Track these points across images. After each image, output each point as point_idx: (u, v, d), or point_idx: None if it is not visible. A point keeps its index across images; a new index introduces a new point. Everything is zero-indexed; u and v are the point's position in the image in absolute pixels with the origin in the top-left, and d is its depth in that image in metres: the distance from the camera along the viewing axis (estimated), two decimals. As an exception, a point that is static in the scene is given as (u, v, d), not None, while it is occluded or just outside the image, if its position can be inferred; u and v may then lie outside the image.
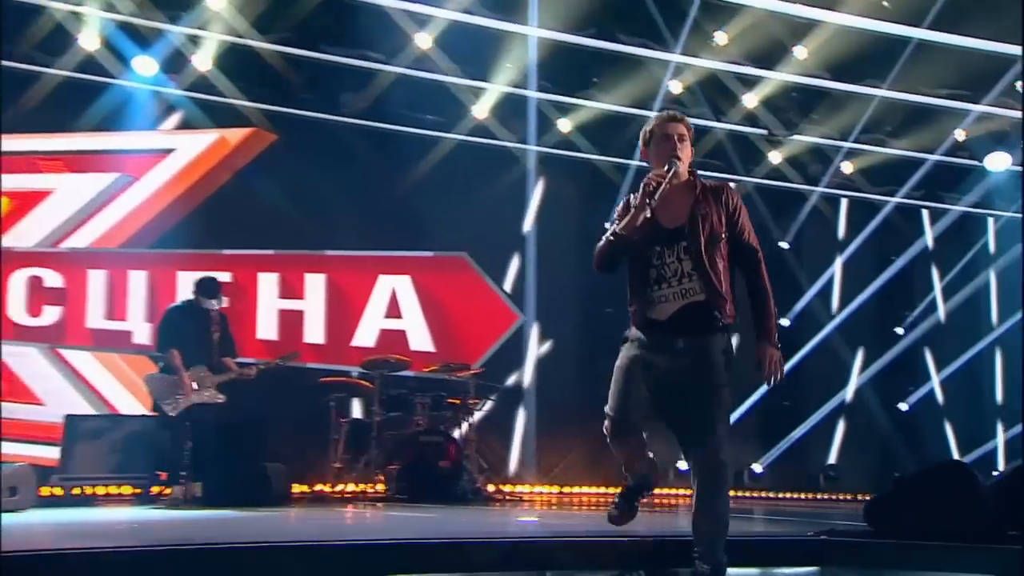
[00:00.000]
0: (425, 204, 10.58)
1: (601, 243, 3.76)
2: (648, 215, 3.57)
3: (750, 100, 10.68)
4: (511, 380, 10.98)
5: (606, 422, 3.83)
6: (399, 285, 10.86)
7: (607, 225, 3.84)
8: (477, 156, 10.87)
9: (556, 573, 4.75)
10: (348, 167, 10.43)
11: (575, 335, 11.40)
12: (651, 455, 4.01)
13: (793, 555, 5.21)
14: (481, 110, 10.70)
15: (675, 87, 10.66)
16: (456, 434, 9.19)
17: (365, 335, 10.69)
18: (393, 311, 10.78)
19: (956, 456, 12.47)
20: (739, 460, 11.90)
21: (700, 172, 3.88)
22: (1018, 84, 10.54)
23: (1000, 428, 12.69)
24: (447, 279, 11.12)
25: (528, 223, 11.46)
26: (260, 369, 7.90)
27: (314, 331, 10.56)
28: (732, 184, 4.05)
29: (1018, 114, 10.88)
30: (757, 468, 11.93)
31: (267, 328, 10.41)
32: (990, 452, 12.47)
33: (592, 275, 11.74)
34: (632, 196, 3.81)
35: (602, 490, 10.85)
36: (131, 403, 9.50)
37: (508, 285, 11.27)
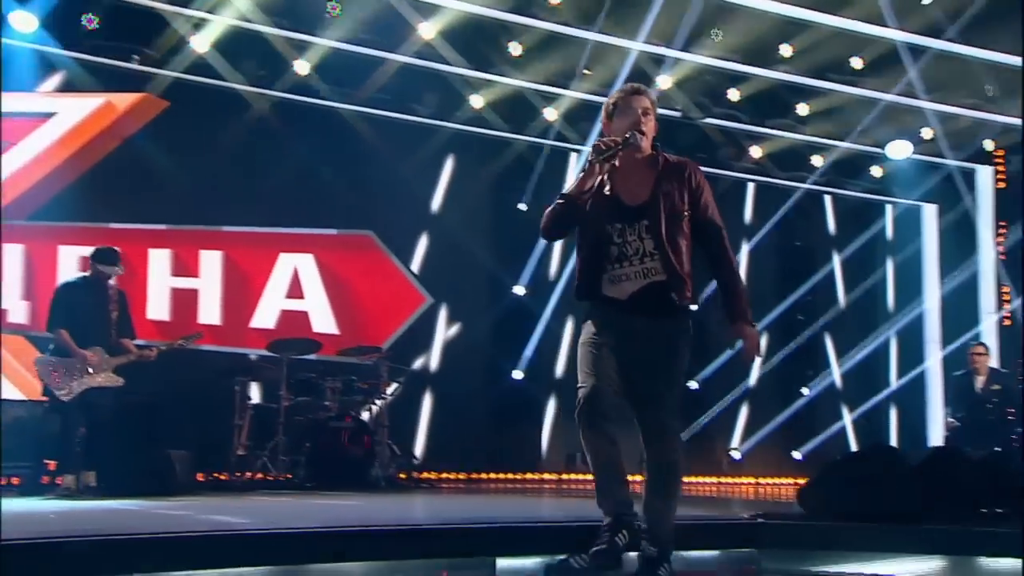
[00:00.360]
0: (330, 180, 10.20)
1: (551, 206, 3.67)
2: (593, 178, 3.53)
3: (664, 82, 10.66)
4: (418, 363, 10.73)
5: (579, 402, 3.61)
6: (301, 264, 10.48)
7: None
8: (386, 132, 10.52)
9: (483, 559, 4.65)
10: (248, 139, 9.97)
11: (483, 318, 11.24)
12: (625, 477, 3.69)
13: (730, 537, 5.25)
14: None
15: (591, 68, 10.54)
16: (367, 419, 8.90)
17: (265, 316, 10.28)
18: (295, 291, 10.42)
19: (852, 441, 12.94)
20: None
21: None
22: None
23: (894, 412, 13.16)
24: (352, 258, 10.79)
25: (437, 202, 11.20)
26: (161, 351, 7.40)
27: (210, 311, 10.08)
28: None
29: (917, 103, 11.26)
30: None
31: (158, 308, 9.89)
32: (882, 435, 12.95)
33: (502, 257, 11.64)
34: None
35: (507, 476, 10.75)
36: (8, 388, 8.82)
37: (416, 266, 11.00)
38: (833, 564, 4.92)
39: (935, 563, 5.02)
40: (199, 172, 9.73)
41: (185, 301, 9.98)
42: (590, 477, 10.89)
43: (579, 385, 3.64)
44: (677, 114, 11.00)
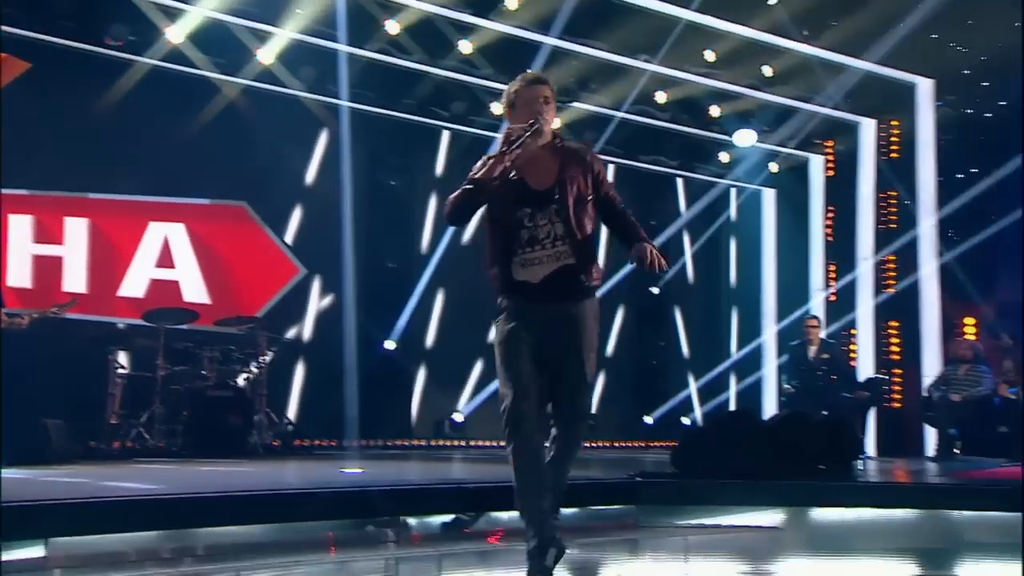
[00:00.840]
0: (203, 150, 10.02)
1: (457, 192, 3.68)
2: (503, 164, 3.56)
3: (537, 65, 10.95)
4: (291, 333, 10.75)
5: (504, 415, 3.57)
6: (172, 233, 10.30)
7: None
8: (261, 103, 10.41)
9: (385, 520, 4.90)
10: (118, 106, 9.63)
11: (356, 289, 11.31)
12: (547, 487, 3.61)
13: (612, 495, 5.66)
14: (266, 55, 10.21)
15: (465, 48, 10.70)
16: (245, 388, 8.92)
17: (134, 285, 10.07)
18: (165, 260, 10.22)
19: (696, 405, 13.71)
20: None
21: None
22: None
23: (733, 379, 13.96)
24: (225, 229, 10.68)
25: (311, 175, 11.20)
26: (33, 318, 7.21)
27: (75, 279, 9.77)
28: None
29: (761, 95, 12.04)
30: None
31: (19, 275, 9.48)
32: (724, 401, 13.70)
33: (375, 230, 11.74)
34: (490, 157, 3.73)
35: (379, 442, 10.94)
36: None
37: (289, 237, 10.97)
38: (702, 517, 5.41)
39: (783, 515, 5.59)
40: (65, 137, 9.38)
41: (48, 269, 9.63)
42: (460, 443, 11.26)
43: (502, 395, 3.61)
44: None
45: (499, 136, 3.75)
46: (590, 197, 3.69)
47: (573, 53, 11.01)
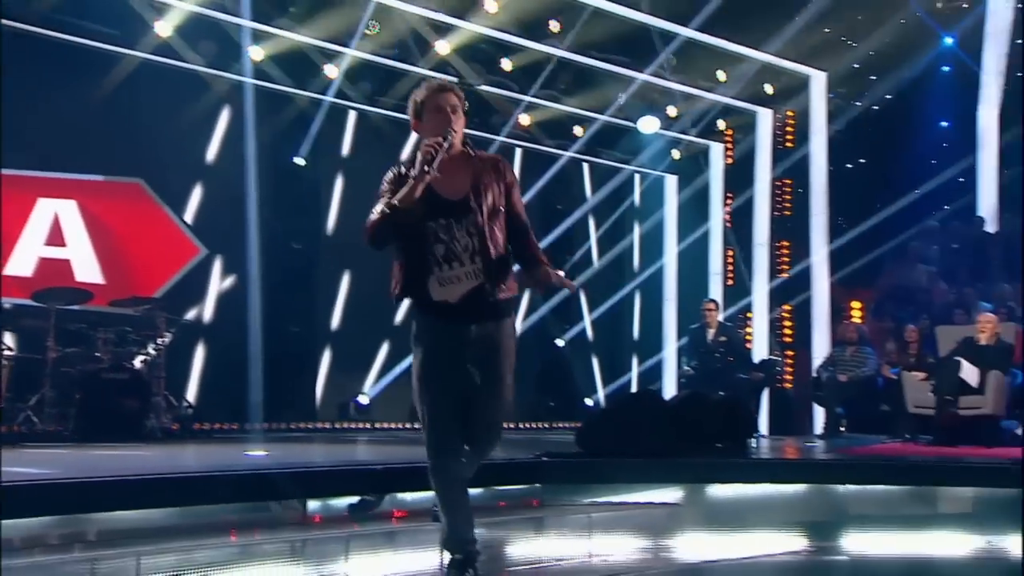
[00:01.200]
0: (97, 124, 9.67)
1: (374, 217, 3.41)
2: (423, 184, 3.30)
3: (443, 48, 10.92)
4: (191, 314, 10.46)
5: (429, 451, 3.46)
6: (63, 210, 9.85)
7: (380, 202, 3.44)
8: (159, 77, 10.05)
9: (289, 503, 4.84)
10: (4, 76, 9.17)
11: (258, 270, 11.07)
12: (471, 514, 3.57)
13: (517, 475, 5.69)
14: (164, 27, 9.87)
15: (372, 28, 10.57)
16: (142, 370, 8.65)
17: (21, 263, 9.58)
18: (55, 238, 9.79)
19: (599, 387, 13.91)
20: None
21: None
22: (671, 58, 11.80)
23: (635, 361, 14.23)
24: (120, 206, 10.28)
25: (212, 153, 10.91)
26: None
27: (-44, 257, 9.31)
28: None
29: (665, 83, 12.24)
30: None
31: None
32: (627, 382, 13.93)
33: (279, 210, 11.45)
34: (402, 167, 3.52)
35: (282, 425, 10.77)
36: None
37: (189, 216, 10.67)
38: (605, 495, 5.50)
39: (682, 491, 5.72)
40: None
41: (-75, 245, 9.18)
42: (365, 425, 11.09)
43: (421, 419, 3.49)
44: (454, 79, 11.29)
45: (417, 151, 3.43)
46: (502, 209, 3.48)
47: (478, 33, 10.98)
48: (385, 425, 11.63)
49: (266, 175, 10.96)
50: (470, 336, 3.42)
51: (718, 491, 5.91)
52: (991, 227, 11.99)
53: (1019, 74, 12.17)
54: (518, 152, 13.08)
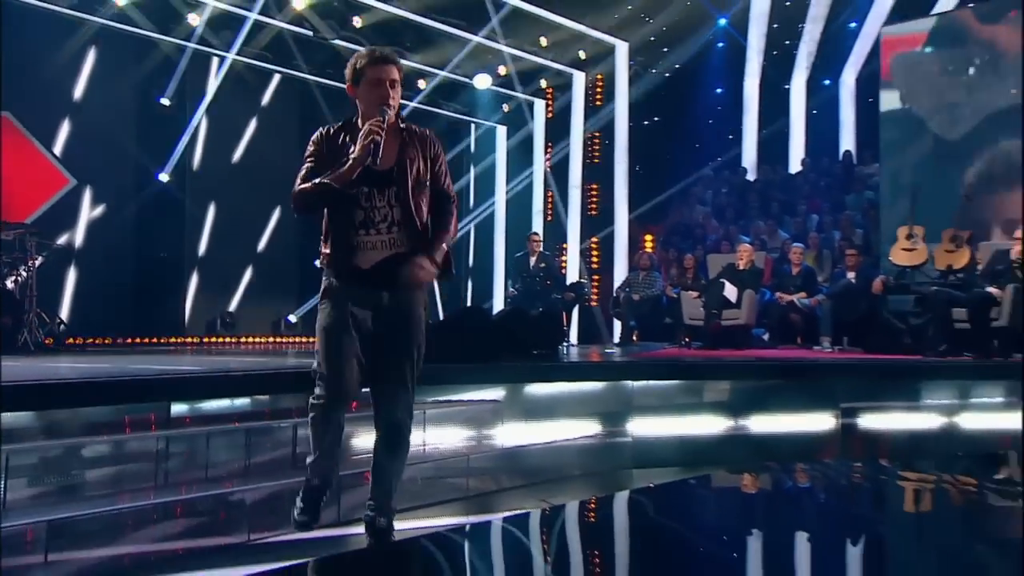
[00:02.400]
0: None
1: (306, 187, 3.01)
2: (361, 167, 2.93)
3: (299, 3, 10.41)
4: (63, 240, 9.73)
5: (317, 399, 3.04)
6: (-69, 140, 8.91)
7: (306, 165, 3.04)
8: (24, 15, 9.12)
9: (159, 403, 4.67)
10: None
11: (128, 201, 10.43)
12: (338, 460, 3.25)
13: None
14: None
15: None
16: (14, 289, 8.02)
17: None
18: (-78, 168, 8.86)
19: (439, 306, 13.91)
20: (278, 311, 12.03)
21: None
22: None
23: (470, 284, 14.21)
24: (-12, 139, 9.38)
25: (80, 90, 10.05)
26: None
27: None
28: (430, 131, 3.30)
29: (496, 45, 12.15)
30: (292, 318, 12.12)
31: None
32: (462, 302, 13.95)
33: (146, 146, 10.75)
34: (329, 129, 3.12)
35: (152, 340, 10.29)
36: None
37: (58, 150, 9.84)
38: (440, 395, 5.55)
39: (504, 390, 5.87)
40: None
41: None
42: (230, 339, 10.73)
43: (319, 381, 3.04)
44: (310, 34, 10.83)
45: (361, 126, 2.98)
46: (427, 182, 3.11)
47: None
48: (251, 337, 11.34)
49: (132, 115, 10.24)
50: (381, 303, 3.04)
51: (534, 389, 6.07)
52: (751, 176, 12.70)
53: (775, 52, 12.82)
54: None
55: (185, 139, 10.55)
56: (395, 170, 3.05)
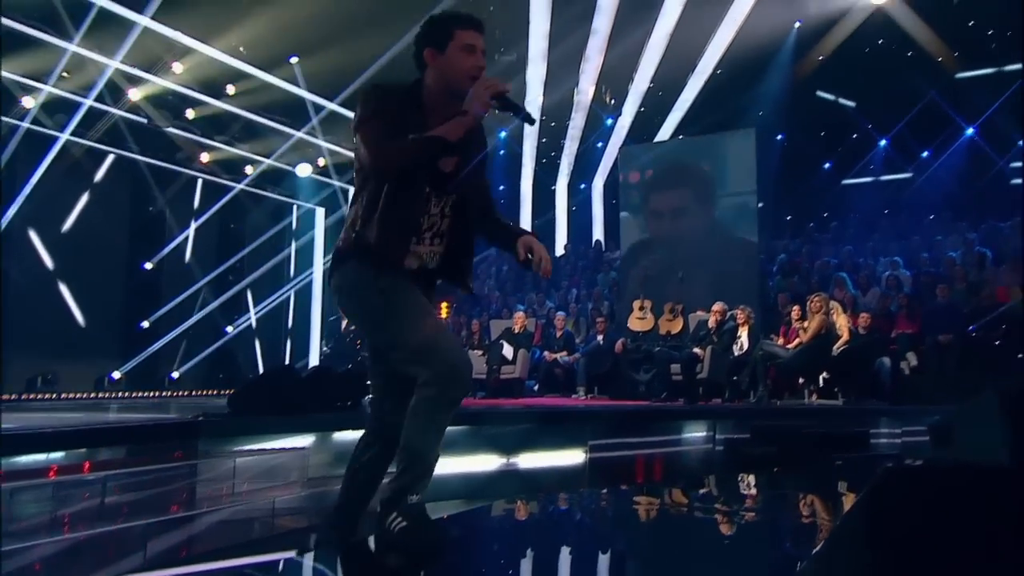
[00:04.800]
0: None
1: (405, 143, 2.06)
2: (470, 124, 2.10)
3: (135, 95, 9.83)
4: None
5: (438, 381, 2.06)
6: None
7: (377, 121, 2.06)
8: None
9: None
10: None
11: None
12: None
13: (174, 434, 5.27)
14: None
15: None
16: None
17: None
18: None
19: (260, 364, 13.29)
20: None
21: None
22: None
23: (288, 345, 13.79)
24: None
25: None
26: None
27: None
28: None
29: (319, 142, 12.11)
30: (116, 375, 11.04)
31: None
32: (281, 360, 13.44)
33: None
34: (388, 90, 2.15)
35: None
36: None
37: None
38: (251, 444, 5.32)
39: (311, 438, 5.72)
40: None
41: None
42: (51, 396, 9.55)
43: (429, 359, 2.06)
44: (145, 121, 10.22)
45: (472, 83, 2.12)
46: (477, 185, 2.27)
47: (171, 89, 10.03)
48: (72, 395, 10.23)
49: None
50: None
51: (339, 436, 5.96)
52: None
53: (543, 160, 13.77)
54: (200, 183, 12.19)
55: (12, 209, 9.46)
56: (456, 175, 2.19)
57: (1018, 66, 10.85)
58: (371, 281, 2.11)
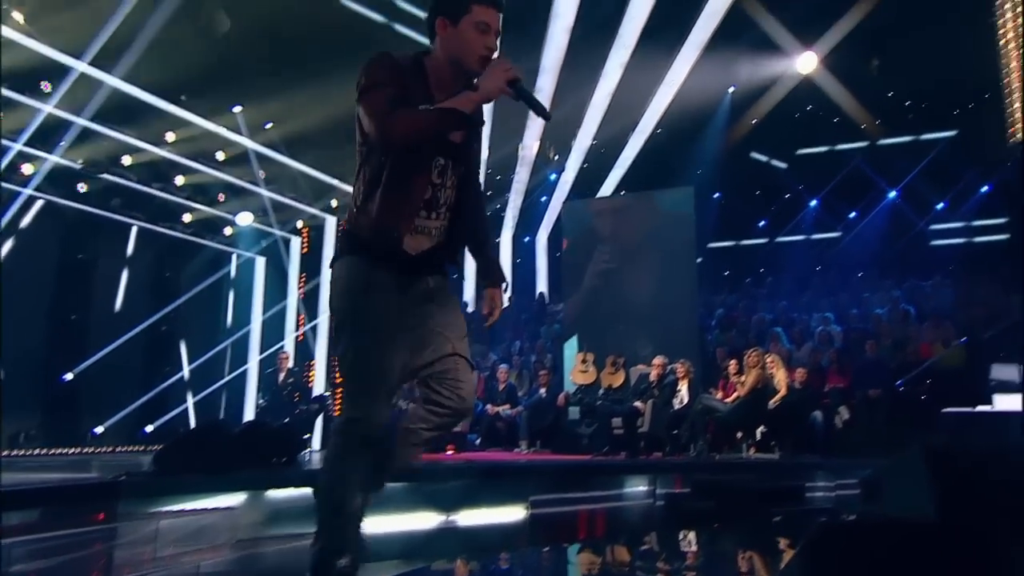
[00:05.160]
0: None
1: (417, 113, 1.99)
2: (481, 103, 2.06)
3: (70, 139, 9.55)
4: None
5: (352, 424, 2.08)
6: None
7: (381, 91, 2.00)
8: None
9: None
10: None
11: None
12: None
13: (95, 496, 5.02)
14: None
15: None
16: None
17: None
18: None
19: (191, 418, 12.77)
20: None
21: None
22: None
23: (224, 397, 13.31)
24: None
25: None
26: None
27: None
28: None
29: (258, 189, 11.97)
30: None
31: None
32: (216, 414, 12.99)
33: None
34: (395, 57, 2.08)
35: None
36: None
37: None
38: (177, 504, 5.08)
39: (244, 496, 5.50)
40: None
41: None
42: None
43: (354, 396, 2.10)
44: (79, 166, 9.93)
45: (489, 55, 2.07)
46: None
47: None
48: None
49: None
50: (429, 288, 2.17)
51: (272, 494, 5.74)
52: (471, 309, 13.34)
53: (489, 212, 13.88)
54: (134, 230, 11.85)
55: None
56: (464, 146, 2.16)
57: (934, 135, 11.62)
58: (361, 277, 2.05)
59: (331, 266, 2.18)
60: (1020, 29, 6.55)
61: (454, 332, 2.18)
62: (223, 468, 5.55)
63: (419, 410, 2.16)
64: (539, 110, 2.07)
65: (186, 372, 12.90)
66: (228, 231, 13.00)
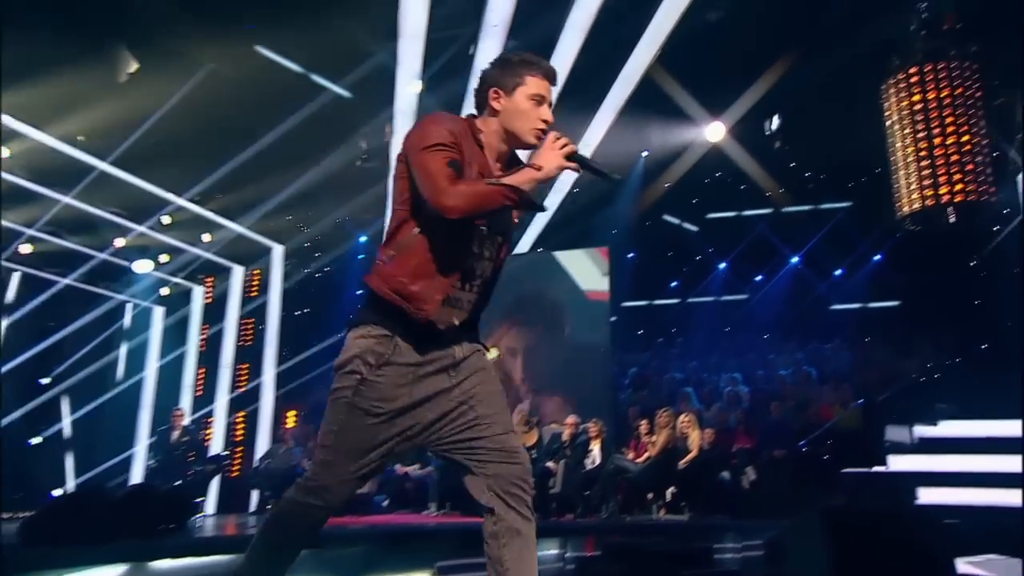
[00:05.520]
0: None
1: (480, 185, 1.93)
2: (537, 182, 1.99)
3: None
4: None
5: (311, 507, 2.14)
6: None
7: (441, 153, 1.95)
8: None
9: None
10: None
11: None
12: None
13: None
14: None
15: None
16: None
17: None
18: None
19: (70, 482, 11.87)
20: None
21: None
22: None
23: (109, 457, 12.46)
24: None
25: None
26: None
27: None
28: None
29: (160, 236, 11.52)
30: None
31: None
32: (98, 476, 12.10)
33: None
34: (455, 121, 2.04)
35: None
36: None
37: None
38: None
39: (126, 568, 5.10)
40: None
41: None
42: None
43: (316, 473, 2.15)
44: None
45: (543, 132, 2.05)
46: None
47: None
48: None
49: None
50: (456, 359, 2.08)
51: (159, 565, 5.37)
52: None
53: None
54: (16, 275, 11.13)
55: None
56: (510, 218, 2.08)
57: (832, 205, 12.47)
58: (375, 353, 1.97)
59: (347, 328, 2.10)
60: (903, 112, 7.18)
61: (493, 406, 2.13)
62: (102, 537, 5.17)
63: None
64: (606, 176, 2.05)
65: (67, 430, 12.06)
66: (125, 279, 12.47)
